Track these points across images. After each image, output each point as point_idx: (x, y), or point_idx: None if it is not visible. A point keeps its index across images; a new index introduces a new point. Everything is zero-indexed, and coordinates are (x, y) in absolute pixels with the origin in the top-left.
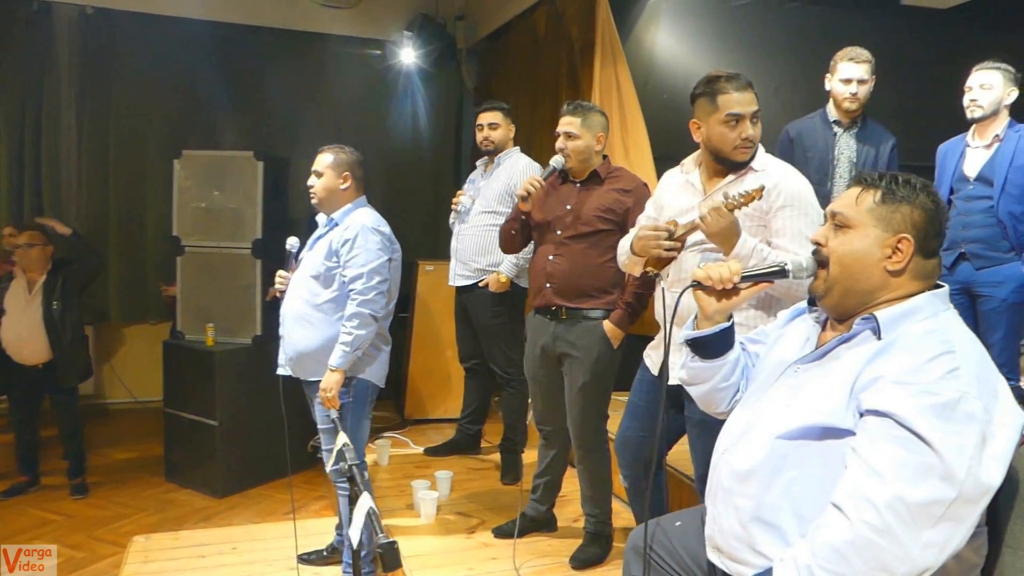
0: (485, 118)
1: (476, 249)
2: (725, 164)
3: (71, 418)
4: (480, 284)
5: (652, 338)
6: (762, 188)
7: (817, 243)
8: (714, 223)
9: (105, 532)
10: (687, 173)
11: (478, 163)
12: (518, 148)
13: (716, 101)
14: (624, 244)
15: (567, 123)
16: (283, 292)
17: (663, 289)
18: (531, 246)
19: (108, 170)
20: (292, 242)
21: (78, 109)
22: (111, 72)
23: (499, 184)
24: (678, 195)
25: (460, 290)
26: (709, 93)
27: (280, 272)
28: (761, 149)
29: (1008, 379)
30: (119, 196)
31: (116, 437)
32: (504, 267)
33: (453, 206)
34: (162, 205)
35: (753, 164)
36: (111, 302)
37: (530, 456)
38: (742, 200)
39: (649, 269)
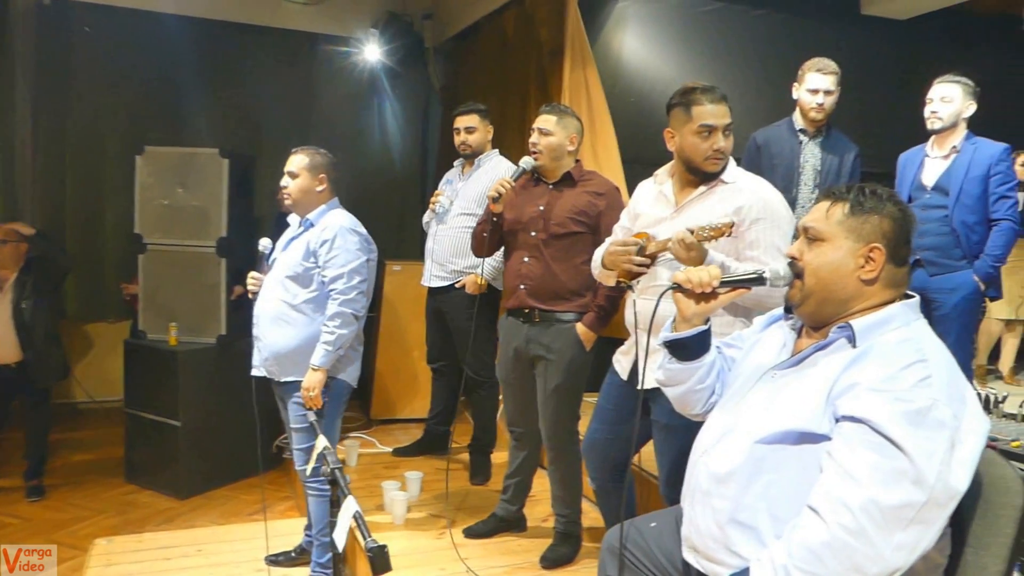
0: (462, 122)
1: (453, 250)
2: (696, 174)
3: (41, 419)
4: (456, 285)
5: (623, 341)
6: (732, 224)
7: (792, 258)
8: (682, 254)
9: (64, 535)
10: (660, 184)
11: (456, 163)
12: (497, 151)
13: (690, 112)
14: (596, 254)
15: (542, 120)
16: (256, 294)
17: (634, 299)
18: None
19: (65, 166)
20: (265, 243)
21: (34, 103)
22: (69, 65)
23: (479, 186)
24: (652, 206)
25: (434, 291)
26: (684, 104)
27: (253, 273)
28: (732, 162)
29: None
30: (76, 192)
31: (73, 438)
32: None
33: (431, 205)
34: (122, 202)
35: (724, 176)
36: (68, 300)
37: (499, 457)
38: (711, 234)
39: (621, 280)
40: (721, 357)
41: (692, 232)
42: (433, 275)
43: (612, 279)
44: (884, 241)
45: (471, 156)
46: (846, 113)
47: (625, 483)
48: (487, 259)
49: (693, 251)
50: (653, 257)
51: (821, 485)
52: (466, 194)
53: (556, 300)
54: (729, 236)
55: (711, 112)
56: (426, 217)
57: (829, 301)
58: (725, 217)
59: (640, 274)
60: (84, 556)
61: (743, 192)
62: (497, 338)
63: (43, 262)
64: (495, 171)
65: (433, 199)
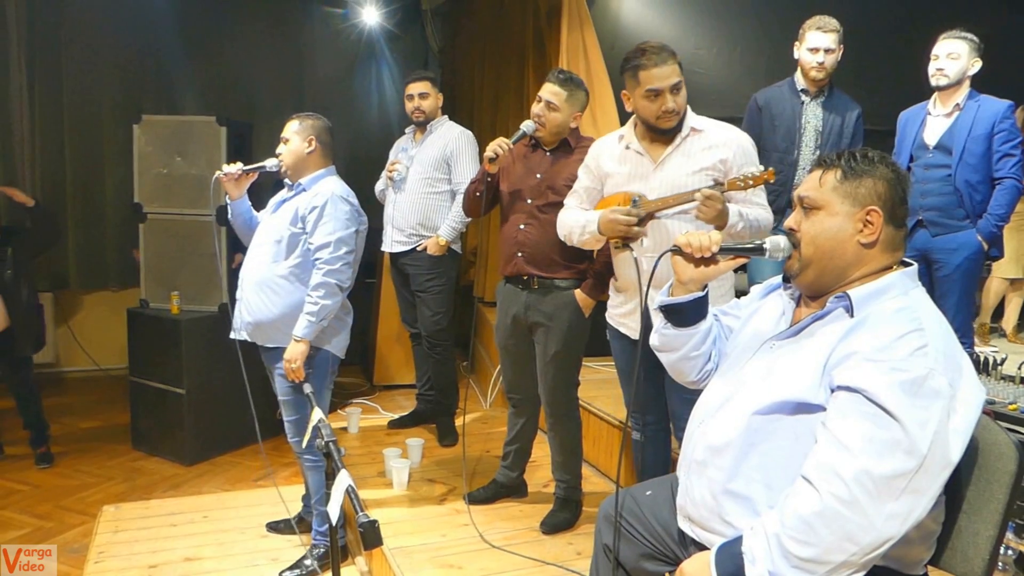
0: (415, 88)
1: (415, 214)
2: (657, 132)
3: (26, 387)
4: (418, 248)
5: None
6: (773, 172)
7: (791, 229)
8: (711, 209)
9: (72, 502)
10: (628, 142)
11: (407, 131)
12: (447, 116)
13: (638, 77)
14: (572, 220)
15: (552, 93)
16: (227, 175)
17: (635, 257)
18: (458, 206)
19: (63, 134)
20: (273, 162)
21: (28, 71)
22: (61, 34)
23: (434, 151)
24: (621, 162)
25: (396, 256)
26: (631, 69)
27: (239, 163)
28: (690, 111)
29: (962, 343)
30: (76, 161)
31: (80, 406)
32: (443, 231)
33: (388, 174)
34: (121, 170)
35: (694, 124)
36: (70, 269)
37: (494, 425)
38: (752, 183)
39: (616, 243)
40: (718, 324)
41: (722, 184)
42: (394, 241)
43: (600, 243)
44: (880, 203)
45: (423, 122)
46: (848, 70)
47: (621, 446)
48: (448, 222)
49: (719, 204)
50: (650, 217)
51: (815, 455)
52: (422, 159)
53: (554, 267)
54: (772, 182)
55: (656, 76)
56: (380, 185)
57: (829, 269)
58: (753, 167)
59: (634, 238)
60: (93, 522)
61: (720, 144)
62: (456, 302)
63: (20, 232)
64: (448, 135)
65: (390, 168)
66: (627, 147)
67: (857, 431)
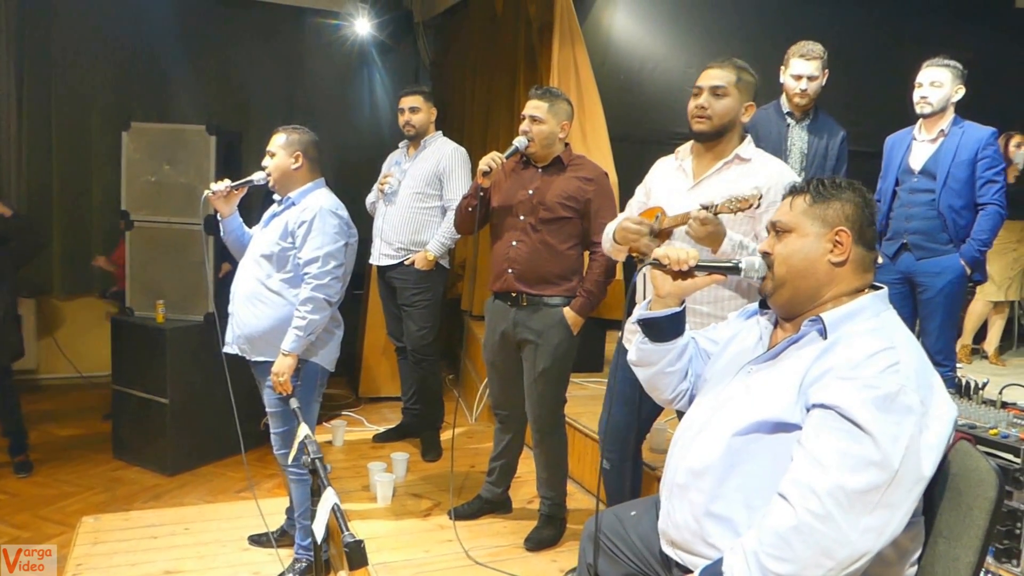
0: (406, 102)
1: (405, 229)
2: (698, 139)
3: (6, 396)
4: (406, 263)
5: (610, 322)
6: (760, 196)
7: (764, 252)
8: (700, 231)
9: (51, 511)
10: (681, 160)
11: (400, 145)
12: (440, 132)
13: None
14: (608, 227)
15: (534, 107)
16: (216, 194)
17: (643, 273)
18: (448, 222)
19: (51, 140)
20: (260, 176)
21: (17, 77)
22: (51, 39)
23: (427, 166)
24: (667, 179)
25: (385, 269)
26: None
27: (227, 180)
28: (750, 140)
29: (944, 365)
30: (63, 167)
31: (60, 413)
32: (432, 246)
33: (380, 187)
34: (108, 177)
35: (741, 152)
36: (54, 275)
37: (480, 440)
38: (738, 205)
39: (634, 255)
40: (695, 345)
41: (715, 205)
42: (382, 254)
43: (623, 254)
44: (849, 224)
45: (415, 137)
46: (835, 92)
47: (599, 467)
48: (437, 237)
49: (709, 226)
50: (666, 234)
51: (791, 472)
52: (414, 174)
53: (543, 284)
54: (757, 208)
55: (705, 75)
56: (371, 198)
57: (802, 289)
58: (753, 189)
59: (644, 251)
60: (72, 533)
61: (761, 172)
62: (442, 317)
63: (5, 242)
64: (441, 152)
65: (383, 180)
66: (680, 164)
67: (831, 447)
